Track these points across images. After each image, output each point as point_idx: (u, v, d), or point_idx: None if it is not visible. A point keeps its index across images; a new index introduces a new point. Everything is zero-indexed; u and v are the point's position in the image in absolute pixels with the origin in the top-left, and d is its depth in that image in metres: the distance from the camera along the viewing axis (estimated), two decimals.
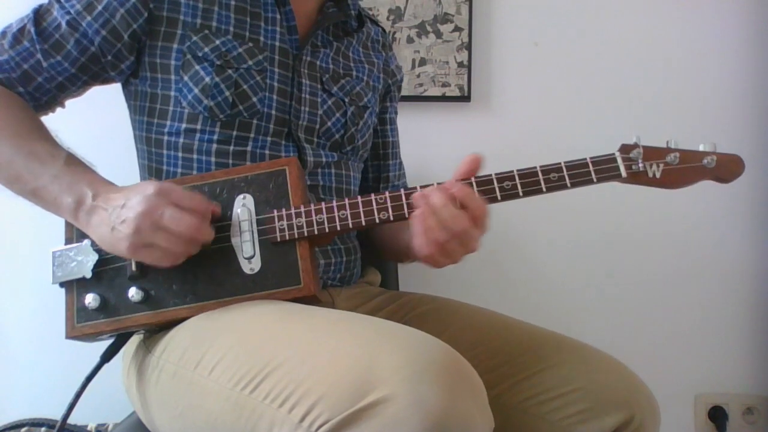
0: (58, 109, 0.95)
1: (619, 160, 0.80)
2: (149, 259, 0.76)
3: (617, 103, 1.52)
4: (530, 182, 0.79)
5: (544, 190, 0.79)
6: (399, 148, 1.20)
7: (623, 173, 0.80)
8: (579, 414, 0.82)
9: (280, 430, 0.63)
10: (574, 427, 0.82)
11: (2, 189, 0.83)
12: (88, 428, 1.34)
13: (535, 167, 0.80)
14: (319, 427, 0.59)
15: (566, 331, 0.93)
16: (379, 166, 1.16)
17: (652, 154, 0.80)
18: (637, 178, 0.81)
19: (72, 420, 0.84)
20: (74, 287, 0.81)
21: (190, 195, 0.77)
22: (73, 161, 0.81)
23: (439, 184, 0.79)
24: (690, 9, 1.52)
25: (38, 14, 0.87)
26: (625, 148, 0.81)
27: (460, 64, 1.50)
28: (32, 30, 0.86)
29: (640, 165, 0.80)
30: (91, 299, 0.79)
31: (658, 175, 0.80)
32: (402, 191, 0.81)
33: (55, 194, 0.78)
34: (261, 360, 0.67)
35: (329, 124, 0.99)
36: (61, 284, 0.82)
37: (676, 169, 0.80)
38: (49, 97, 0.90)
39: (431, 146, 1.52)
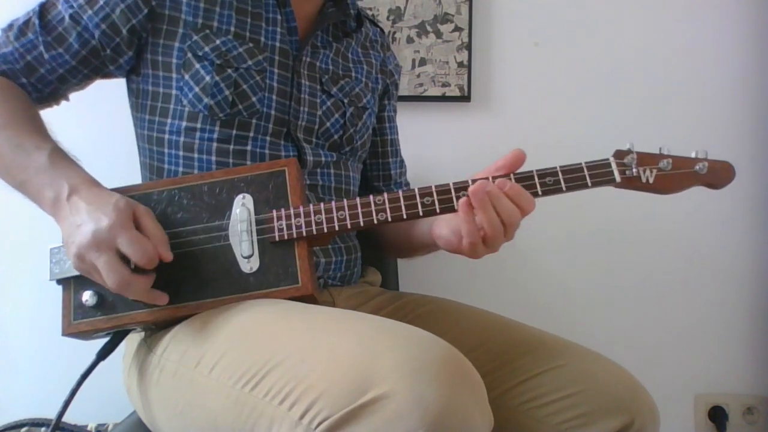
0: (63, 104, 0.96)
1: (614, 165, 0.81)
2: (92, 279, 0.77)
3: (617, 103, 1.53)
4: (526, 186, 0.80)
5: (540, 193, 0.80)
6: (399, 146, 1.20)
7: (617, 178, 0.81)
8: (579, 417, 0.82)
9: (280, 428, 0.63)
10: (574, 430, 0.82)
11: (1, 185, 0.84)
12: (88, 428, 1.34)
13: (531, 171, 0.80)
14: (319, 424, 0.60)
15: (566, 332, 0.93)
16: (379, 164, 1.16)
17: (646, 159, 0.81)
18: (630, 183, 0.82)
19: (72, 420, 0.84)
20: (71, 284, 0.81)
21: (137, 244, 0.74)
22: (56, 155, 0.81)
23: (476, 179, 0.80)
24: (689, 11, 1.52)
25: (44, 8, 0.90)
26: (619, 154, 0.82)
27: (460, 64, 1.51)
28: (37, 22, 0.88)
29: (634, 170, 0.81)
30: (88, 296, 0.79)
31: (651, 181, 0.81)
32: (400, 193, 0.81)
33: (37, 187, 0.79)
34: (261, 358, 0.68)
35: (328, 124, 0.99)
36: (58, 281, 0.82)
37: (669, 174, 0.81)
38: (52, 88, 0.91)
39: (431, 146, 1.52)
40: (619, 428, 0.81)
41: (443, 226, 0.86)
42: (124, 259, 0.74)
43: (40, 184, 0.79)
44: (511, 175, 0.80)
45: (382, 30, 1.17)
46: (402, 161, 1.20)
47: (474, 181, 0.80)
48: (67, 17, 0.88)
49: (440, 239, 0.87)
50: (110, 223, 0.74)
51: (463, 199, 0.79)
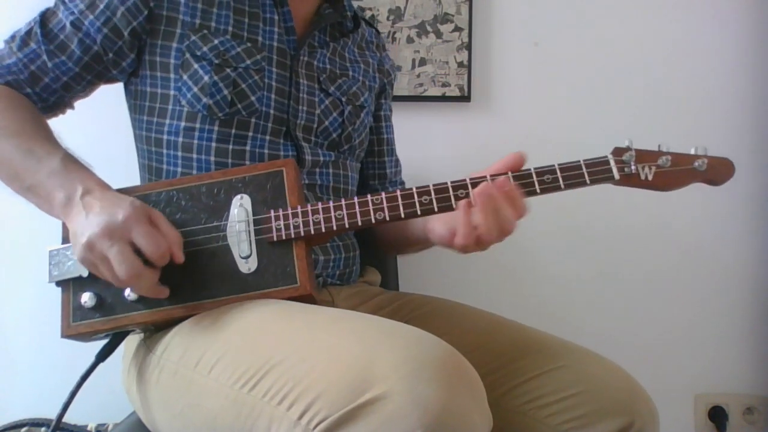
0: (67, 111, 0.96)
1: (612, 163, 0.81)
2: (94, 272, 0.77)
3: (617, 103, 1.53)
4: (524, 184, 0.80)
5: (538, 191, 0.80)
6: (394, 145, 1.21)
7: (616, 175, 0.81)
8: (578, 419, 0.82)
9: (278, 428, 0.63)
10: (574, 431, 0.82)
11: (2, 188, 0.83)
12: (88, 428, 1.34)
13: (530, 169, 0.80)
14: (318, 424, 0.60)
15: (566, 333, 0.93)
16: (375, 163, 1.16)
17: (645, 156, 0.81)
18: (629, 180, 0.81)
19: (72, 420, 0.84)
20: (70, 286, 0.81)
21: (152, 237, 0.75)
22: (69, 160, 0.82)
23: (486, 178, 0.80)
24: (689, 10, 1.52)
25: (45, 17, 0.90)
26: (618, 151, 0.82)
27: (460, 64, 1.50)
28: (38, 32, 0.88)
29: (633, 167, 0.81)
30: (87, 298, 0.79)
31: (650, 178, 0.81)
32: (398, 192, 0.81)
33: (48, 190, 0.79)
34: (260, 358, 0.68)
35: (327, 123, 0.99)
36: (57, 283, 0.81)
37: (668, 171, 0.81)
38: (56, 97, 0.91)
39: (431, 146, 1.52)
40: (618, 429, 0.81)
41: (437, 222, 0.86)
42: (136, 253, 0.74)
43: (52, 186, 0.78)
44: (509, 173, 0.80)
45: (377, 31, 1.18)
46: (397, 160, 1.21)
47: (473, 179, 0.80)
48: (68, 24, 0.88)
49: (433, 233, 0.87)
50: (126, 216, 0.74)
51: (464, 200, 0.79)
